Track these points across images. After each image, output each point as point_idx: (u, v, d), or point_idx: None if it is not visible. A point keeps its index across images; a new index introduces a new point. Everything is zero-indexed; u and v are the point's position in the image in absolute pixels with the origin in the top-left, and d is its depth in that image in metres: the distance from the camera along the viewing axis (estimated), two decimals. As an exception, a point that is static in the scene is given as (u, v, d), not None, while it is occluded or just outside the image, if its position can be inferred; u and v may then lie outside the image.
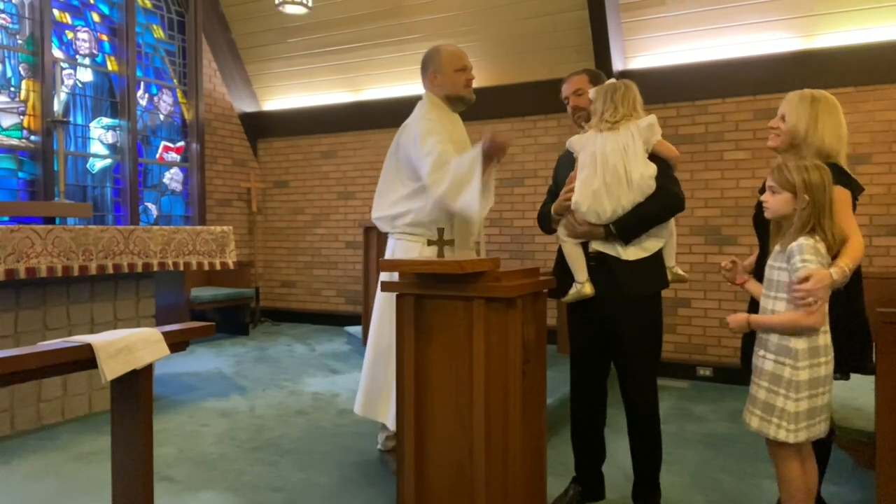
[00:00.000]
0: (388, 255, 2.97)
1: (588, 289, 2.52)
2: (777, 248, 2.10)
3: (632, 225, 2.45)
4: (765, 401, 2.07)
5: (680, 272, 2.61)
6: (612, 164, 2.43)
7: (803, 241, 1.99)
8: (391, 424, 2.83)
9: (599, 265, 2.52)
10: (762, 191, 2.19)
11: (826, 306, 2.03)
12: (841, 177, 2.16)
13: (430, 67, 2.98)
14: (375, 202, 3.05)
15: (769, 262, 2.14)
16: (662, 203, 2.45)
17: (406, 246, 2.89)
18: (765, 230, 2.26)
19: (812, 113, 2.22)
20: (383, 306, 2.94)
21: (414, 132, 2.84)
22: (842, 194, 2.13)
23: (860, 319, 2.22)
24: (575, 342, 2.69)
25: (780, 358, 2.04)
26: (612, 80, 2.62)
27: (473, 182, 2.59)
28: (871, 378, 2.26)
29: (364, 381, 3.00)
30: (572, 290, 2.54)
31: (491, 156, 2.65)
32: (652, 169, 2.43)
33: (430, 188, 2.73)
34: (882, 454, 2.19)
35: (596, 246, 2.52)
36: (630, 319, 2.50)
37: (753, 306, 2.30)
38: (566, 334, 4.57)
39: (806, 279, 1.95)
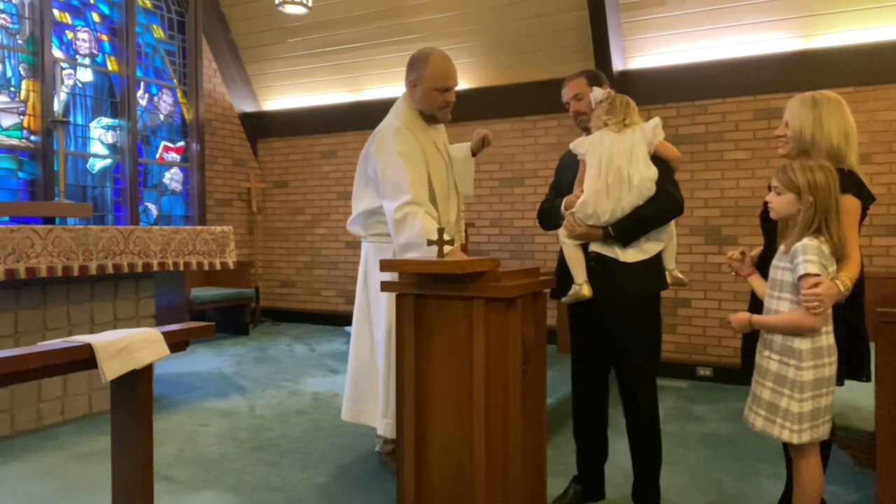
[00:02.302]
0: (363, 260, 2.97)
1: (586, 290, 2.52)
2: (781, 248, 2.10)
3: (630, 227, 2.45)
4: (769, 401, 2.07)
5: (679, 276, 2.59)
6: (615, 165, 2.43)
7: (808, 241, 1.99)
8: (381, 429, 2.82)
9: (598, 266, 2.52)
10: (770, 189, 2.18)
11: (829, 308, 2.03)
12: (853, 185, 2.13)
13: (412, 75, 2.82)
14: (352, 208, 2.99)
15: (774, 262, 2.13)
16: (661, 206, 2.45)
17: (379, 248, 2.87)
18: (770, 229, 2.25)
19: (815, 116, 2.18)
20: (362, 310, 2.93)
21: (382, 155, 2.72)
22: (851, 204, 2.10)
23: (858, 327, 2.20)
24: (575, 343, 2.70)
25: (784, 358, 2.04)
26: (614, 94, 2.60)
27: (423, 253, 2.52)
28: (871, 378, 2.26)
29: (349, 387, 2.97)
30: (570, 292, 2.55)
31: None
32: (653, 172, 2.42)
33: (390, 225, 2.67)
34: (882, 454, 2.19)
35: (595, 247, 2.52)
36: (628, 321, 2.50)
37: (754, 305, 2.30)
38: (566, 334, 4.57)
39: (816, 284, 1.94)
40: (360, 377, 2.92)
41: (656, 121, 2.50)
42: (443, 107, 2.84)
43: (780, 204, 2.09)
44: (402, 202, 2.61)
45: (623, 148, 2.44)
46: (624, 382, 2.56)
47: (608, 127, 2.51)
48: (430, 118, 2.87)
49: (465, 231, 3.19)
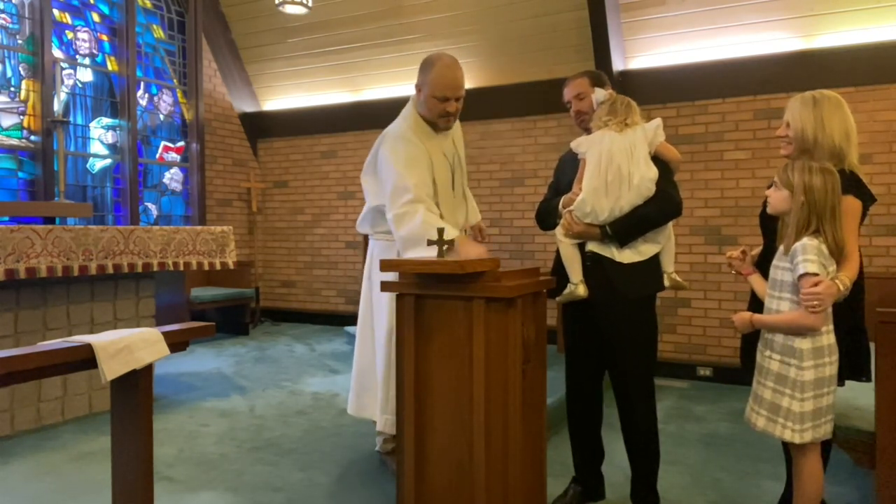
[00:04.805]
0: (368, 257, 3.00)
1: (581, 290, 2.51)
2: (781, 248, 2.10)
3: (628, 227, 2.44)
4: (771, 401, 2.07)
5: (677, 278, 2.58)
6: (616, 163, 2.42)
7: (807, 241, 2.00)
8: (380, 424, 2.85)
9: (594, 266, 2.51)
10: (770, 187, 2.19)
11: (829, 308, 2.03)
12: (854, 186, 2.12)
13: (418, 79, 2.80)
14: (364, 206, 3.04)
15: (774, 262, 2.13)
16: (660, 207, 2.44)
17: (384, 246, 2.89)
18: (770, 228, 2.25)
19: (816, 115, 2.17)
20: (366, 306, 2.97)
21: (388, 157, 2.72)
22: (852, 205, 2.10)
23: (858, 327, 2.20)
24: (569, 342, 2.69)
25: (785, 358, 2.04)
26: (616, 95, 2.60)
27: (425, 251, 2.39)
28: (871, 378, 2.26)
29: (354, 382, 3.03)
30: (566, 291, 2.54)
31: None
32: (653, 172, 2.42)
33: (390, 223, 2.66)
34: (882, 454, 2.19)
35: (592, 247, 2.51)
36: (623, 322, 2.49)
37: (753, 305, 2.30)
38: (566, 334, 4.57)
39: (816, 283, 1.95)
40: (364, 372, 2.97)
41: (658, 121, 2.50)
42: (441, 115, 2.78)
43: (775, 199, 2.11)
44: (404, 201, 2.62)
45: (623, 147, 2.44)
46: (619, 384, 2.55)
47: (609, 126, 2.51)
48: (432, 125, 2.84)
49: (481, 233, 3.23)
